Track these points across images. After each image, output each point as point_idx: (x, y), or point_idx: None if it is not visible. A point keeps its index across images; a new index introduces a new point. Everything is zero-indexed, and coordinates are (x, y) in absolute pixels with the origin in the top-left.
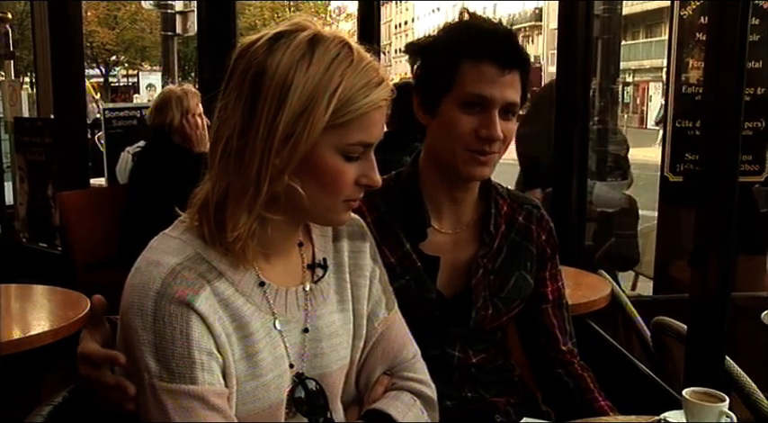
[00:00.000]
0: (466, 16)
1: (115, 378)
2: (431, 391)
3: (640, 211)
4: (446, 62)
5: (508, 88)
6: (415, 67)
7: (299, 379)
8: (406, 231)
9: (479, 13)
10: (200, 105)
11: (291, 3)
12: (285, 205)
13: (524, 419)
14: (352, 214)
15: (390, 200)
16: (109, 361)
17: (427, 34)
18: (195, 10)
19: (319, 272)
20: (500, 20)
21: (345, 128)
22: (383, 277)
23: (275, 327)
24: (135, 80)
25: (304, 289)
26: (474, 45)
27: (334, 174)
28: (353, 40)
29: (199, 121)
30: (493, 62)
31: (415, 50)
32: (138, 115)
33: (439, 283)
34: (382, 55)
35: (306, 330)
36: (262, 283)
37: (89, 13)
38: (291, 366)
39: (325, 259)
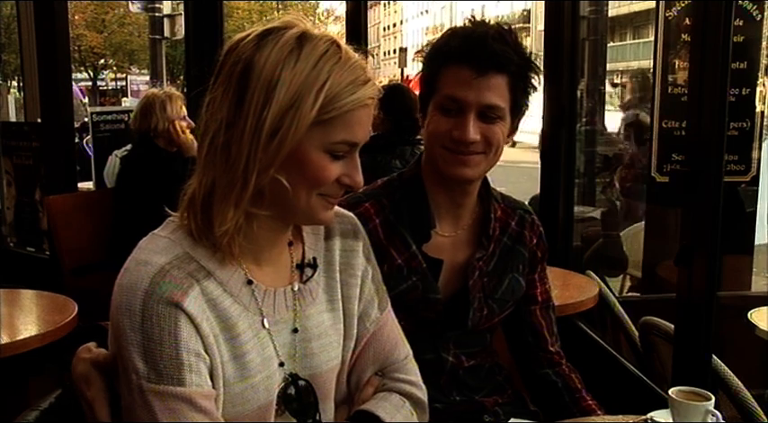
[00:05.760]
0: (467, 23)
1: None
2: (421, 392)
3: None
4: (430, 69)
5: (485, 91)
6: None
7: (292, 378)
8: (411, 233)
9: (468, 14)
10: (185, 108)
11: (279, 4)
12: (270, 201)
13: (512, 420)
14: (346, 212)
15: (396, 201)
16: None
17: (423, 37)
18: (183, 13)
19: (308, 272)
20: (496, 23)
21: (331, 125)
22: (377, 276)
23: (264, 326)
24: (123, 84)
25: (293, 289)
26: (452, 50)
27: (316, 170)
28: (342, 40)
29: (184, 124)
30: (467, 65)
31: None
32: (126, 119)
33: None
34: (371, 57)
35: (295, 330)
36: (249, 282)
37: (77, 17)
38: (282, 364)
39: (314, 259)
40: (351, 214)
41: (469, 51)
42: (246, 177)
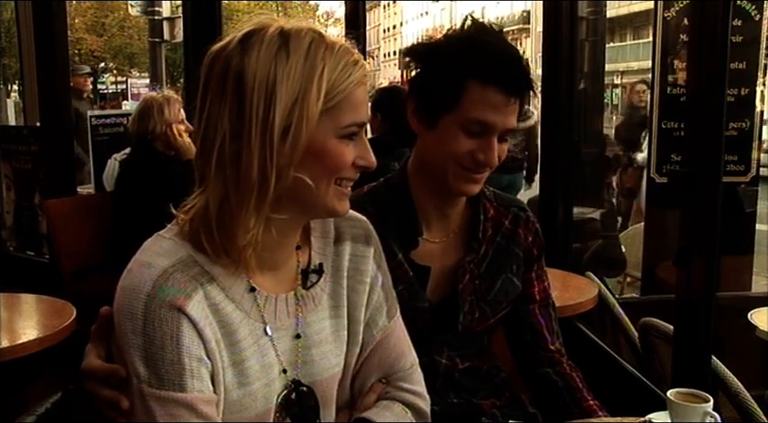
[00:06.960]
0: (468, 23)
1: (111, 393)
2: (424, 403)
3: None
4: (451, 79)
5: (511, 116)
6: (414, 73)
7: (295, 384)
8: (397, 241)
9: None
10: (183, 111)
11: (279, 5)
12: (289, 202)
13: (510, 422)
14: (359, 216)
15: (381, 208)
16: (109, 375)
17: (423, 38)
18: (182, 16)
19: (313, 277)
20: (501, 29)
21: (337, 110)
22: (387, 283)
23: (266, 333)
24: (123, 87)
25: (295, 294)
26: (482, 67)
27: (335, 157)
28: (321, 28)
29: (182, 127)
30: (500, 89)
31: (416, 56)
32: (125, 122)
33: (427, 291)
34: (371, 59)
35: (298, 336)
36: (252, 289)
37: (77, 20)
38: (285, 372)
39: (320, 264)
40: (364, 219)
41: (504, 74)
42: (264, 182)
